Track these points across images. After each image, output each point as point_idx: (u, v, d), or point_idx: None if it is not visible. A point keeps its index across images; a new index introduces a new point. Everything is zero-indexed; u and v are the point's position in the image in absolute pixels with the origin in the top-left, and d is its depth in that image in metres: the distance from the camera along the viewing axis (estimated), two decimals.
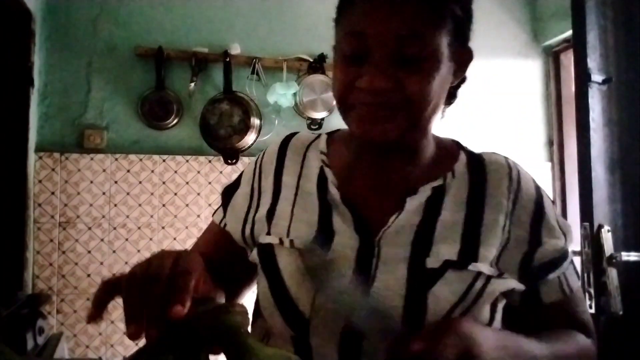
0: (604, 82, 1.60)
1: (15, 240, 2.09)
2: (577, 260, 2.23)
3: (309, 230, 0.76)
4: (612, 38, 1.66)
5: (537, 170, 2.81)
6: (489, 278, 0.72)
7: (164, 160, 2.38)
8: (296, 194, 0.80)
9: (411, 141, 0.76)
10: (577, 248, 1.60)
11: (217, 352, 0.56)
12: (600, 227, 1.53)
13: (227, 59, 2.41)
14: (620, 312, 1.47)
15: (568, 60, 2.78)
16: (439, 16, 0.69)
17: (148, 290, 0.54)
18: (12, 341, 1.47)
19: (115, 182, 2.33)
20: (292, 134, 0.89)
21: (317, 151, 0.84)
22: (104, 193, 2.31)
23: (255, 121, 2.46)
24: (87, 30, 2.36)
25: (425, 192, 0.76)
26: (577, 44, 1.61)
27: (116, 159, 2.34)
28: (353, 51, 0.70)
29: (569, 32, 2.29)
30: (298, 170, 0.83)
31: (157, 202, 2.36)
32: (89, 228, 2.29)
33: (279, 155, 0.85)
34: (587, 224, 1.54)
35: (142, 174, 2.36)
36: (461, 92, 0.82)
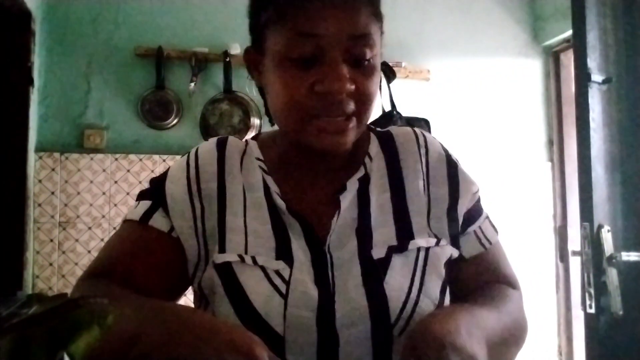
0: (604, 82, 1.60)
1: (15, 240, 2.09)
2: (577, 260, 2.22)
3: (268, 244, 0.71)
4: (612, 38, 1.66)
5: (537, 170, 2.82)
6: (427, 250, 0.73)
7: (164, 160, 2.38)
8: (245, 205, 0.74)
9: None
10: (577, 248, 1.60)
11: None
12: (600, 227, 1.52)
13: (227, 59, 2.41)
14: (620, 312, 1.47)
15: (568, 60, 2.78)
16: (377, 15, 0.69)
17: None
18: None
19: (115, 182, 2.33)
20: (225, 137, 0.81)
21: (253, 157, 0.78)
22: (104, 193, 2.31)
23: (255, 121, 2.46)
24: (87, 30, 2.36)
25: (353, 184, 0.75)
26: (577, 44, 1.61)
27: (116, 159, 2.34)
28: (302, 54, 0.66)
29: (569, 32, 2.29)
30: (240, 178, 0.76)
31: None
32: (89, 228, 2.29)
33: (219, 159, 0.77)
34: (587, 224, 1.54)
35: (142, 174, 2.36)
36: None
